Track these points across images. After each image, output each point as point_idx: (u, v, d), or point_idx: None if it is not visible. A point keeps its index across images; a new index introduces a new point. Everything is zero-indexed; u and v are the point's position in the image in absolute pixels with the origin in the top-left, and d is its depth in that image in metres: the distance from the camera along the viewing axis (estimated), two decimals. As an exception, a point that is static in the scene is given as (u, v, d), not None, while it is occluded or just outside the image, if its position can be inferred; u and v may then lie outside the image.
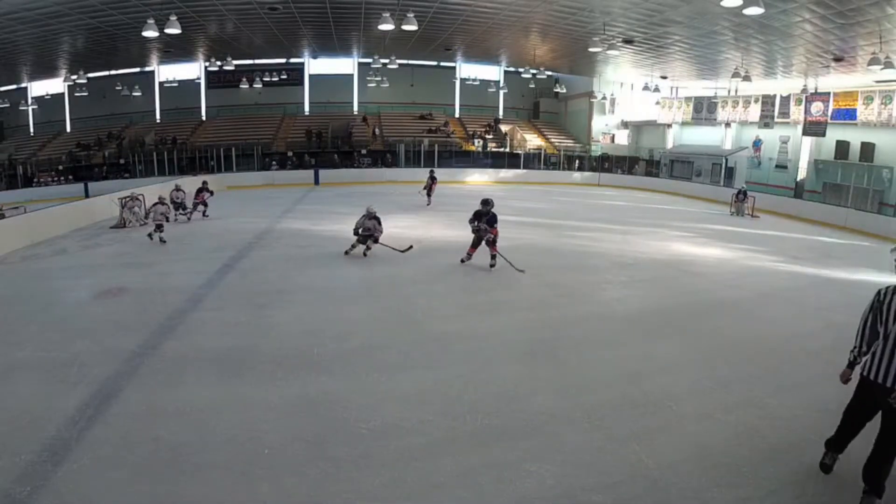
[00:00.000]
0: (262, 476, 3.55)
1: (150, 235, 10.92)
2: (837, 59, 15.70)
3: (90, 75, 23.65)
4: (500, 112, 30.97)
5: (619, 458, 3.82)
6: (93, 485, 3.43)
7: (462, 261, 9.29)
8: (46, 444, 3.83)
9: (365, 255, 9.62)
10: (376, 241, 9.69)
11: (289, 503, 3.35)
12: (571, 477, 3.61)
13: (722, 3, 10.81)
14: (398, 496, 3.42)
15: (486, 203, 8.99)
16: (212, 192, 14.49)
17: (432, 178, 17.18)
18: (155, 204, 11.20)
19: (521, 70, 25.01)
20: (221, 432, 4.04)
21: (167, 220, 11.36)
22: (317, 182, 23.07)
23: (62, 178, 22.52)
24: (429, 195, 16.73)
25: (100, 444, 3.86)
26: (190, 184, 15.34)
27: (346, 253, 9.72)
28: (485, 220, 8.94)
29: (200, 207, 14.11)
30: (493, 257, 9.05)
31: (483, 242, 9.05)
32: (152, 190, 16.60)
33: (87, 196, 17.04)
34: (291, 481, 3.51)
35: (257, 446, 3.87)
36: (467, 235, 11.41)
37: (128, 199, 13.18)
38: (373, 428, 4.14)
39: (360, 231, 9.63)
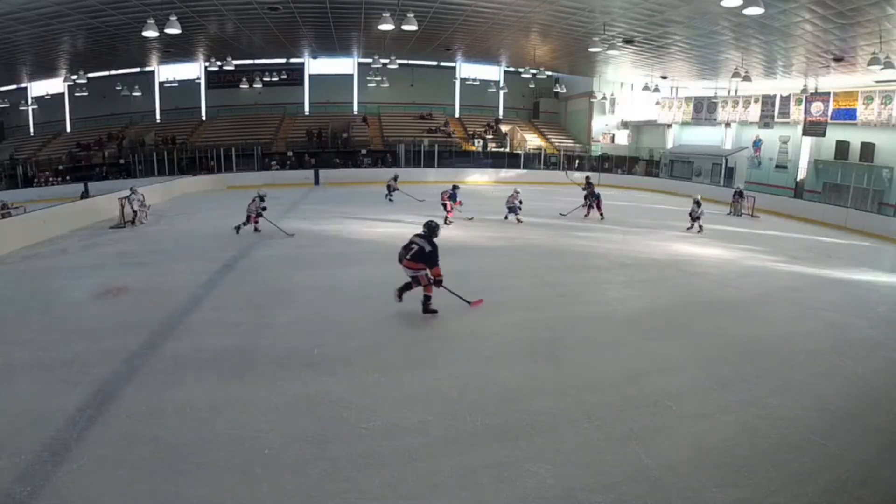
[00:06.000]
0: (262, 476, 3.55)
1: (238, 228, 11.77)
2: (837, 59, 15.70)
3: (90, 75, 23.64)
4: (500, 112, 30.94)
5: (619, 458, 3.82)
6: (93, 485, 3.44)
7: None
8: (46, 444, 3.83)
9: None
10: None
11: (289, 503, 3.35)
12: (571, 477, 3.61)
13: (722, 3, 10.81)
14: (398, 496, 3.42)
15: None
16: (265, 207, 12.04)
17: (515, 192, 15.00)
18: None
19: (521, 70, 24.99)
20: (221, 432, 4.04)
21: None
22: (317, 182, 23.08)
23: (62, 178, 22.50)
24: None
25: (100, 444, 3.86)
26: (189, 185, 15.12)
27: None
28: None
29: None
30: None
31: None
32: (154, 189, 16.70)
33: (86, 196, 17.03)
34: (291, 481, 3.51)
35: (257, 446, 3.88)
36: (467, 235, 11.47)
37: (131, 194, 13.06)
38: (373, 428, 4.14)
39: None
